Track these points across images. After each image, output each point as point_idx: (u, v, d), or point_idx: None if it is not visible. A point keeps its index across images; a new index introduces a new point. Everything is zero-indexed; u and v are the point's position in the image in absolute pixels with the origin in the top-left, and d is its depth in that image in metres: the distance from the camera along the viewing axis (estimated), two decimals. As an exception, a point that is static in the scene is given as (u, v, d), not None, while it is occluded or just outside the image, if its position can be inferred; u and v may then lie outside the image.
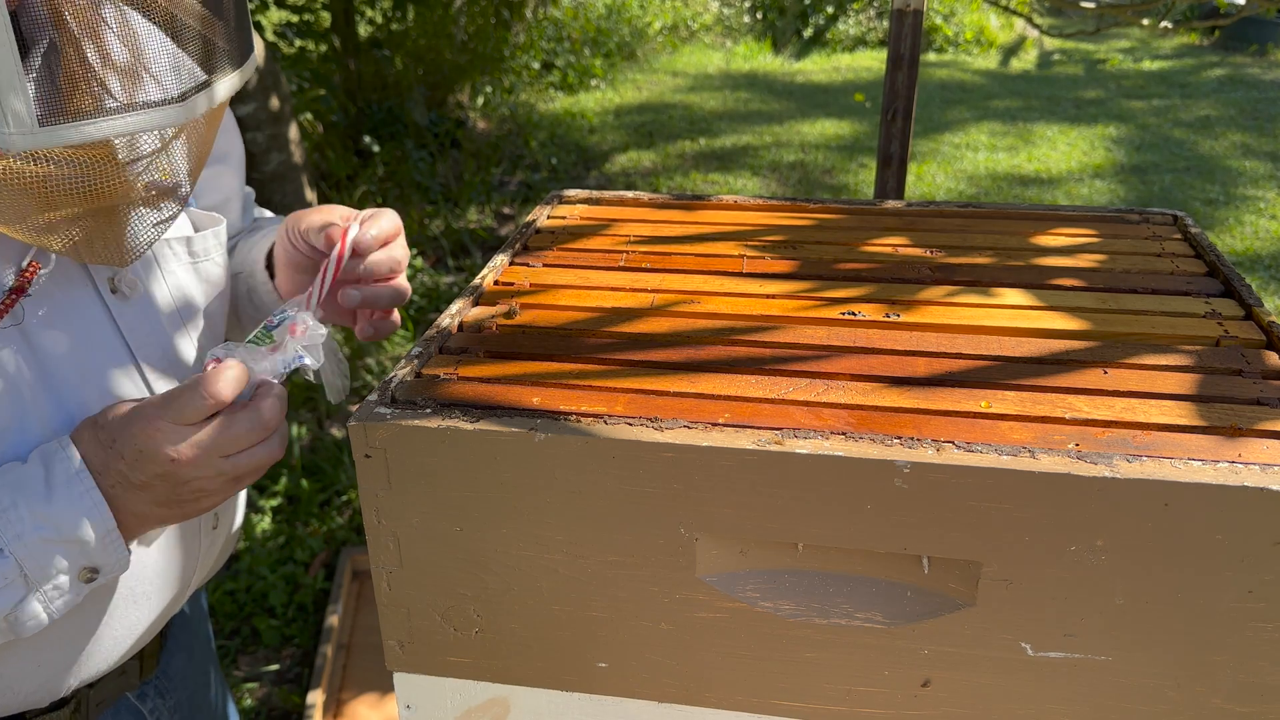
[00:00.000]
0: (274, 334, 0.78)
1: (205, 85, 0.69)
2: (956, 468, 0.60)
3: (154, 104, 0.66)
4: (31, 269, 0.75)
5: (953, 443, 0.62)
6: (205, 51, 0.70)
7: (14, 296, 0.74)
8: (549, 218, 1.02)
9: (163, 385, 0.85)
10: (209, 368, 0.73)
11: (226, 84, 0.71)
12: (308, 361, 0.78)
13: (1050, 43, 7.68)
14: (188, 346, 0.90)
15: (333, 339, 0.81)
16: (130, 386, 0.83)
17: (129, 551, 0.75)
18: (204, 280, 0.93)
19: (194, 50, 0.69)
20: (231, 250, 1.02)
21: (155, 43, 0.67)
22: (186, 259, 0.91)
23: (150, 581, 0.86)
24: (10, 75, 0.59)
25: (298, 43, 4.47)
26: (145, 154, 0.70)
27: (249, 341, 0.78)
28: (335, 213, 0.87)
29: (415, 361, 0.73)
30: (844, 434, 0.63)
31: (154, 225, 0.76)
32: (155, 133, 0.69)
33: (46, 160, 0.65)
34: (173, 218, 0.77)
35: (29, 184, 0.65)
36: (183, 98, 0.67)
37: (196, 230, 0.93)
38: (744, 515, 0.64)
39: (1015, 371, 0.71)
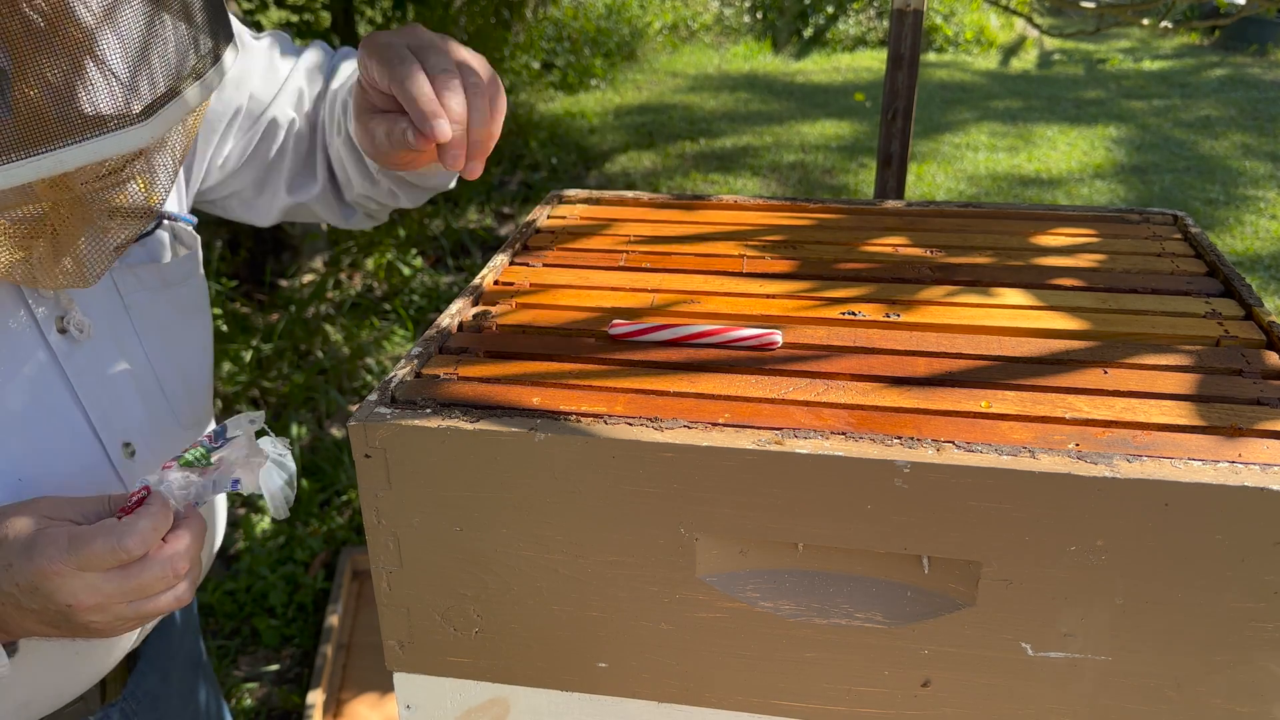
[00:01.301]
0: (213, 455, 0.73)
1: (169, 97, 0.65)
2: (956, 468, 0.60)
3: (114, 128, 0.62)
4: None
5: (953, 443, 0.62)
6: (168, 62, 0.65)
7: None
8: (549, 218, 1.02)
9: (117, 437, 0.80)
10: (133, 499, 0.69)
11: (194, 93, 0.67)
12: (242, 486, 0.73)
13: (1050, 43, 7.68)
14: (155, 391, 0.84)
15: (284, 448, 0.75)
16: (75, 442, 0.77)
17: (9, 660, 0.71)
18: (181, 310, 0.87)
19: (155, 63, 0.65)
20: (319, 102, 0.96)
21: (113, 60, 0.63)
22: (159, 288, 0.85)
23: None
24: None
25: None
26: (103, 174, 0.66)
27: (184, 461, 0.73)
28: (409, 74, 0.73)
29: (415, 361, 0.73)
30: (844, 434, 0.63)
31: (123, 235, 0.71)
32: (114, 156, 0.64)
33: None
34: (147, 220, 0.72)
35: None
36: (147, 114, 0.63)
37: (175, 251, 0.87)
38: (744, 515, 0.64)
39: (1015, 371, 0.71)
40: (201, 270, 0.93)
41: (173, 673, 1.02)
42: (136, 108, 0.63)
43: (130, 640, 0.89)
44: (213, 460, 0.73)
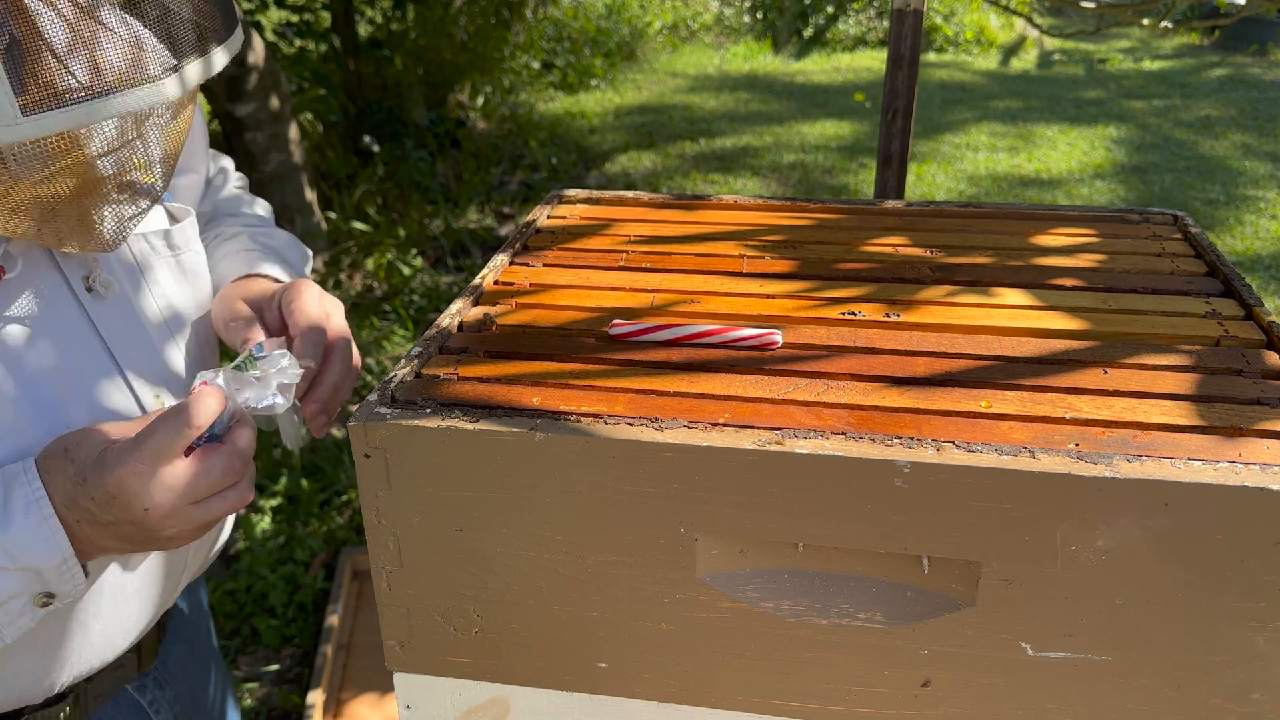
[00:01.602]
0: (259, 364, 0.76)
1: (190, 61, 0.68)
2: (956, 468, 0.60)
3: (138, 83, 0.65)
4: None
5: (953, 443, 0.62)
6: (187, 28, 0.69)
7: None
8: (549, 218, 1.02)
9: (146, 386, 0.83)
10: (195, 390, 0.71)
11: (216, 59, 0.71)
12: (279, 401, 0.75)
13: (1050, 43, 7.68)
14: (172, 345, 0.88)
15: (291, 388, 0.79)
16: (113, 389, 0.80)
17: (86, 578, 0.72)
18: (186, 272, 0.92)
19: (176, 27, 0.68)
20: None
21: (135, 20, 0.66)
22: (166, 252, 0.90)
23: (140, 578, 0.86)
24: None
25: (298, 43, 4.47)
26: (126, 137, 0.69)
27: (235, 366, 0.75)
28: (311, 329, 0.84)
29: (415, 361, 0.73)
30: (844, 434, 0.63)
31: (134, 208, 0.75)
32: (135, 115, 0.68)
33: (26, 151, 0.64)
34: (154, 200, 0.76)
35: (3, 175, 0.64)
36: (168, 74, 0.66)
37: (173, 222, 0.92)
38: (744, 515, 0.64)
39: (1015, 371, 0.71)
40: (199, 239, 0.97)
41: (195, 645, 1.06)
42: (157, 69, 0.67)
43: (172, 593, 0.92)
44: (259, 369, 0.76)
